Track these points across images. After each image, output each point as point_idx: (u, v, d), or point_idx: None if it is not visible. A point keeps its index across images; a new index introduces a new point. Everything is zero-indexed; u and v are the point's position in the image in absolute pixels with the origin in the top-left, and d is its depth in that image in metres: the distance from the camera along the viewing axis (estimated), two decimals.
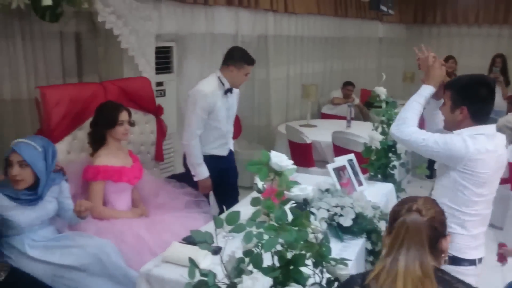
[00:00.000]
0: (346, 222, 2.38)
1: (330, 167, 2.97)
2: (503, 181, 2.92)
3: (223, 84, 3.34)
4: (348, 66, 7.98)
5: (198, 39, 4.81)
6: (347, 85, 6.74)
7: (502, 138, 2.13)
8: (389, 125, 3.19)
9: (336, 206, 2.45)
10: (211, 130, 3.34)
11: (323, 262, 1.45)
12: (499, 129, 2.17)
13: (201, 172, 3.32)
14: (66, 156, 2.98)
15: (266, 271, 1.40)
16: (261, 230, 1.43)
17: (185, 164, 3.48)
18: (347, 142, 4.51)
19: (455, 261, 2.09)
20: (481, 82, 2.11)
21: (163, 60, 4.30)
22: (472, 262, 2.12)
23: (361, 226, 2.39)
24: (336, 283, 1.51)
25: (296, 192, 1.46)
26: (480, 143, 2.03)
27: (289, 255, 1.45)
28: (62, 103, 2.90)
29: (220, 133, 3.41)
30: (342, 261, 1.46)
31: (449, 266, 1.98)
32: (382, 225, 2.47)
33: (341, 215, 2.40)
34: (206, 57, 4.98)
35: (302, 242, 1.41)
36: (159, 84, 4.24)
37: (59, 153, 2.90)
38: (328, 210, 2.45)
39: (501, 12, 8.70)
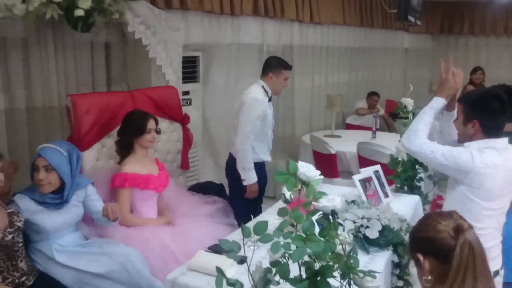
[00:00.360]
0: (373, 234, 2.35)
1: (356, 178, 2.95)
2: None
3: (266, 92, 3.51)
4: (373, 77, 7.93)
5: (224, 48, 4.86)
6: (372, 95, 6.70)
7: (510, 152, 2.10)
8: None
9: (362, 218, 2.43)
10: (262, 136, 3.52)
11: (351, 274, 1.43)
12: None
13: (251, 177, 3.44)
14: (95, 163, 3.03)
15: (294, 282, 1.39)
16: (289, 240, 1.43)
17: (228, 172, 3.68)
18: (372, 153, 4.47)
19: None
20: (492, 95, 2.11)
21: (190, 69, 4.35)
22: None
23: (388, 239, 2.35)
24: None
25: (324, 203, 1.46)
26: (488, 157, 2.02)
27: (317, 266, 1.44)
28: (92, 111, 2.96)
29: (268, 139, 3.61)
30: (370, 273, 1.44)
31: None
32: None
33: (367, 227, 2.37)
34: (231, 66, 5.03)
35: (330, 253, 1.40)
36: (185, 93, 4.30)
37: (88, 161, 2.95)
38: (354, 222, 2.43)
39: None
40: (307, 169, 1.50)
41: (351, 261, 1.45)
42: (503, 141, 2.09)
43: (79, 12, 2.71)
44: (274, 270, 1.47)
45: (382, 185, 3.08)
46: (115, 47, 3.71)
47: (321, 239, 1.41)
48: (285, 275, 1.44)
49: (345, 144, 5.13)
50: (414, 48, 8.86)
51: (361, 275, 1.43)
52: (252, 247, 2.16)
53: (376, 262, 2.25)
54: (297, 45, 5.96)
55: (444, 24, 9.27)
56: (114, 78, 3.76)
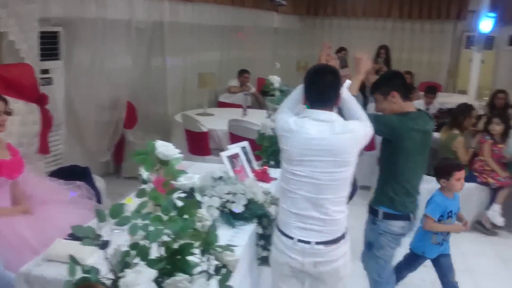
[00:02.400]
0: (238, 208, 2.42)
1: (223, 155, 3.00)
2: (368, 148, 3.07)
3: None
4: (245, 56, 8.08)
5: (88, 24, 4.59)
6: (243, 73, 6.83)
7: (329, 125, 2.13)
8: None
9: (228, 193, 2.49)
10: None
11: (210, 250, 1.46)
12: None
13: None
14: None
15: (151, 263, 1.38)
16: (147, 221, 1.41)
17: None
18: (242, 130, 4.58)
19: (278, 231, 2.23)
20: (310, 70, 2.24)
21: (50, 46, 4.03)
22: (289, 238, 2.18)
23: (252, 212, 2.45)
24: (224, 269, 1.53)
25: (183, 181, 1.46)
26: (289, 122, 2.15)
27: (178, 245, 1.45)
28: None
29: None
30: (229, 248, 1.48)
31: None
32: (273, 210, 2.55)
33: (233, 202, 2.44)
34: (98, 44, 4.77)
35: (189, 231, 1.41)
36: (45, 71, 3.99)
37: None
38: (220, 198, 2.48)
39: (385, 6, 9.34)
40: (166, 148, 1.48)
41: (210, 237, 1.48)
42: (318, 112, 2.15)
43: None
44: (134, 252, 1.44)
45: (249, 161, 3.18)
46: None
47: (180, 218, 1.41)
48: (144, 257, 1.42)
49: (217, 122, 5.18)
50: (283, 28, 9.19)
51: (220, 250, 1.46)
52: (118, 231, 2.10)
53: (241, 235, 2.32)
54: (168, 22, 5.84)
55: (311, 6, 9.75)
56: None
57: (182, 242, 1.40)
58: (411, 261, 3.17)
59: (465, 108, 4.69)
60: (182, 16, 6.09)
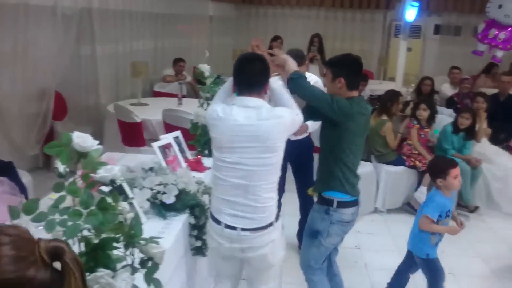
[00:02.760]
0: (170, 199, 2.39)
1: (155, 145, 2.94)
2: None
3: None
4: (180, 44, 7.94)
5: (9, 9, 4.34)
6: (178, 62, 6.72)
7: (256, 111, 2.14)
8: None
9: (159, 185, 2.44)
10: None
11: (134, 243, 1.43)
12: None
13: None
14: None
15: None
16: (65, 216, 1.35)
17: None
18: (177, 120, 4.51)
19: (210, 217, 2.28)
20: (239, 58, 2.26)
21: None
22: (218, 223, 2.21)
23: (184, 202, 2.42)
24: (150, 262, 1.50)
25: (102, 173, 1.41)
26: (217, 110, 2.18)
27: (99, 240, 1.40)
28: None
29: None
30: (153, 240, 1.45)
31: None
32: (206, 199, 2.53)
33: (164, 193, 2.39)
34: (19, 31, 4.50)
35: (109, 225, 1.37)
36: None
37: None
38: (151, 189, 2.43)
39: None
40: (82, 140, 1.42)
41: (134, 230, 1.44)
42: (246, 99, 2.17)
43: None
44: None
45: (182, 151, 3.14)
46: None
47: (100, 211, 1.36)
48: None
49: (151, 112, 5.08)
50: (219, 16, 9.11)
51: (144, 242, 1.43)
52: (40, 228, 2.01)
53: (173, 226, 2.29)
54: (97, 9, 5.62)
55: None
56: None
57: (103, 236, 1.36)
58: (412, 263, 3.07)
59: (393, 95, 4.87)
60: (112, 3, 5.88)
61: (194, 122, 3.41)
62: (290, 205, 4.01)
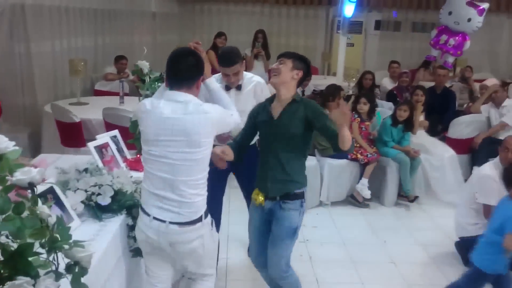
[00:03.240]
0: (105, 200, 2.31)
1: (91, 145, 2.84)
2: None
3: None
4: (122, 41, 7.73)
5: None
6: (120, 59, 6.55)
7: (183, 105, 2.14)
8: None
9: (94, 186, 2.36)
10: None
11: (56, 248, 1.36)
12: None
13: None
14: None
15: None
16: None
17: None
18: (118, 119, 4.39)
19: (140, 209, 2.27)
20: (172, 52, 2.26)
21: None
22: (147, 215, 2.19)
23: (121, 203, 2.35)
24: (77, 267, 1.43)
25: (18, 176, 1.33)
26: (146, 103, 2.20)
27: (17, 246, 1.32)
28: None
29: None
30: (77, 244, 1.39)
31: None
32: None
33: (99, 194, 2.32)
34: None
35: (29, 230, 1.29)
36: None
37: None
38: (86, 191, 2.35)
39: None
40: None
41: (57, 234, 1.38)
42: (171, 93, 2.19)
43: None
44: None
45: (120, 150, 3.05)
46: None
47: (18, 216, 1.29)
48: None
49: (91, 111, 4.92)
50: (162, 13, 8.94)
51: (67, 247, 1.36)
52: None
53: (109, 228, 2.23)
54: (30, 5, 5.37)
55: None
56: None
57: (21, 242, 1.28)
58: (478, 281, 2.88)
59: (334, 90, 4.95)
60: None
61: (133, 120, 3.32)
62: (237, 202, 4.00)
